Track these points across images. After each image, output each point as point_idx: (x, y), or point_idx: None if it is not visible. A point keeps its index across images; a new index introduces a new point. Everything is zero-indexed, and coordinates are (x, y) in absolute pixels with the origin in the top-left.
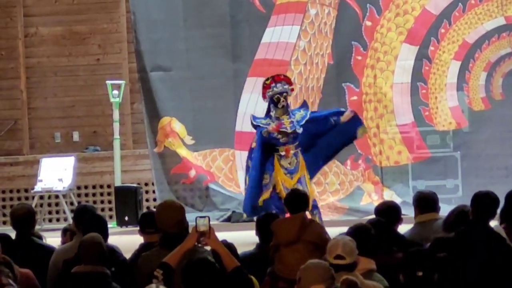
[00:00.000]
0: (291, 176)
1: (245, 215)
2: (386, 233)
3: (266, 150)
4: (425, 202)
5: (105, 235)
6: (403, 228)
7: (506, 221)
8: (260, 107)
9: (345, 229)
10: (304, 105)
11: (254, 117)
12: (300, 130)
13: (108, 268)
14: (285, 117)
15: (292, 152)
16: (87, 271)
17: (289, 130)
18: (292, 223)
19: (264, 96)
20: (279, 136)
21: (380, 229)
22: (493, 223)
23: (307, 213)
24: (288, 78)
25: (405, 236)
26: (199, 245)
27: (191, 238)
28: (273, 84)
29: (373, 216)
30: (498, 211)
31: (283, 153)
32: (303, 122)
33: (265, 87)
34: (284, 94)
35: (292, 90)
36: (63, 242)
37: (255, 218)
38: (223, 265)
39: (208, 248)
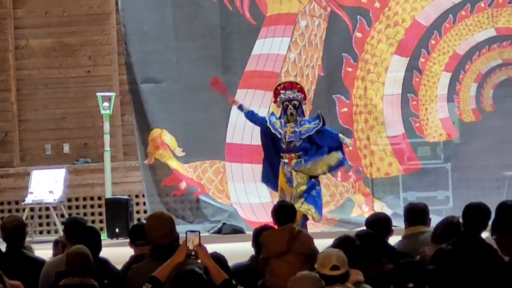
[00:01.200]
0: (290, 185)
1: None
2: (375, 245)
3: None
4: (414, 215)
5: (98, 247)
6: (394, 240)
7: (497, 233)
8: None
9: None
10: (317, 118)
11: (272, 114)
12: (298, 143)
13: (100, 280)
14: (290, 125)
15: (294, 161)
16: (76, 283)
17: (286, 139)
18: (281, 235)
19: (275, 101)
20: (282, 142)
21: (369, 240)
22: (484, 235)
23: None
24: (301, 86)
25: (395, 248)
26: (191, 257)
27: (180, 252)
28: (283, 91)
29: (364, 228)
30: (490, 222)
31: (286, 161)
32: (306, 135)
33: (276, 92)
34: (294, 102)
35: (305, 98)
36: (54, 254)
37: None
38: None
39: (199, 260)
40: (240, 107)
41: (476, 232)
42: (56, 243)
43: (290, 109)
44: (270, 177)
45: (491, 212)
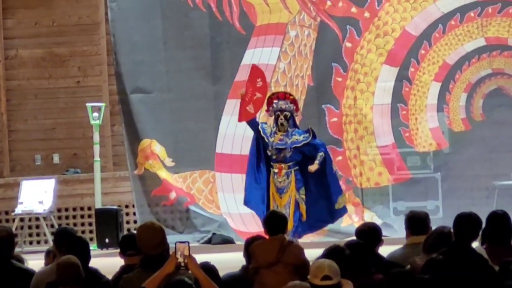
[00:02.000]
0: (280, 196)
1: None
2: (365, 254)
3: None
4: (417, 224)
5: (87, 257)
6: (387, 249)
7: (488, 242)
8: (240, 129)
9: None
10: (308, 131)
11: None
12: (289, 154)
13: None
14: (280, 133)
15: (284, 171)
16: None
17: (273, 147)
18: (271, 245)
19: (267, 110)
20: (271, 152)
21: (359, 250)
22: (475, 244)
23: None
24: (294, 98)
25: (385, 258)
26: (181, 268)
27: (170, 263)
28: (276, 101)
29: (354, 238)
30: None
31: (276, 171)
32: (293, 146)
33: (269, 101)
34: (285, 113)
35: (297, 110)
36: (46, 264)
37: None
38: None
39: (189, 271)
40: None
41: (466, 242)
42: (47, 253)
43: (281, 119)
44: (255, 200)
45: (481, 222)
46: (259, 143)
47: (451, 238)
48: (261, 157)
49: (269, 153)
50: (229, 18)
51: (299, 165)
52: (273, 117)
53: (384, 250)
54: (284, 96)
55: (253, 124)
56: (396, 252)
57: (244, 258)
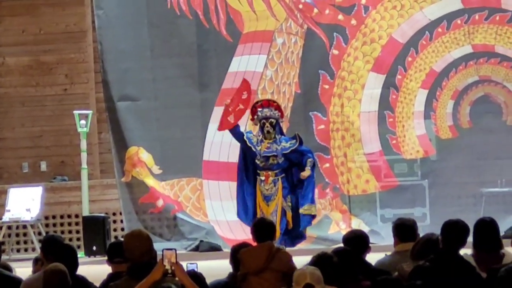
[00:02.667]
0: (267, 203)
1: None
2: (352, 261)
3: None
4: (405, 231)
5: (75, 265)
6: (374, 256)
7: (475, 249)
8: (227, 137)
9: None
10: (294, 138)
11: (249, 132)
12: (275, 161)
13: None
14: (267, 141)
15: (271, 178)
16: None
17: (261, 155)
18: (260, 252)
19: (252, 119)
20: (259, 160)
21: (346, 257)
22: (463, 252)
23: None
24: (278, 104)
25: (372, 265)
26: (168, 275)
27: (157, 270)
28: (260, 109)
29: (341, 245)
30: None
31: (262, 178)
32: (281, 153)
33: (253, 110)
34: (271, 120)
35: (282, 116)
36: (33, 272)
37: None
38: None
39: (176, 278)
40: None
41: (454, 249)
42: (35, 261)
43: (267, 127)
44: (244, 211)
45: (469, 229)
46: (245, 154)
47: (439, 245)
48: (249, 169)
49: (257, 162)
50: (216, 25)
51: (285, 172)
52: (259, 125)
53: (372, 257)
54: (268, 103)
55: (237, 133)
56: (385, 259)
57: (231, 265)
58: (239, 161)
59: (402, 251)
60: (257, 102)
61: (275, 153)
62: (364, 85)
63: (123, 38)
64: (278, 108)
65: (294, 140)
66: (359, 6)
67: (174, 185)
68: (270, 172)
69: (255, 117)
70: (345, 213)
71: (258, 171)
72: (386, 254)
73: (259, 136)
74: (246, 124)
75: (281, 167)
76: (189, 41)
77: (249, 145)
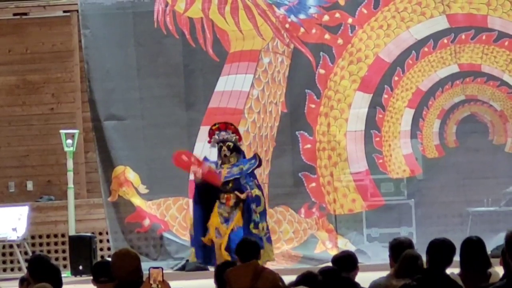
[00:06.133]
0: (226, 226)
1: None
2: (338, 281)
3: (206, 193)
4: (401, 251)
5: (59, 285)
6: (361, 275)
7: (462, 268)
8: (214, 156)
9: None
10: (254, 157)
11: (205, 159)
12: (237, 185)
13: None
14: (226, 166)
15: (232, 201)
16: None
17: (222, 180)
18: (245, 271)
19: (209, 141)
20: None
21: (332, 276)
22: (449, 271)
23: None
24: (235, 127)
25: (359, 285)
26: None
27: None
28: (217, 131)
29: (328, 264)
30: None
31: (223, 201)
32: (239, 176)
33: (210, 133)
34: (228, 143)
35: (240, 140)
36: None
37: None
38: None
39: None
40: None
41: (440, 268)
42: (22, 281)
43: (224, 150)
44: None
45: (455, 248)
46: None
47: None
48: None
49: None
50: (202, 45)
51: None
52: (216, 148)
53: (360, 277)
54: (226, 126)
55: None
56: (380, 280)
57: (215, 285)
58: (195, 191)
59: None
60: (214, 125)
61: (237, 176)
62: (350, 104)
63: (109, 57)
64: (235, 131)
65: (254, 160)
66: (346, 25)
67: (160, 205)
68: (231, 195)
69: (212, 139)
70: (331, 233)
71: (219, 195)
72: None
73: (218, 160)
74: (210, 151)
75: (240, 189)
76: (176, 60)
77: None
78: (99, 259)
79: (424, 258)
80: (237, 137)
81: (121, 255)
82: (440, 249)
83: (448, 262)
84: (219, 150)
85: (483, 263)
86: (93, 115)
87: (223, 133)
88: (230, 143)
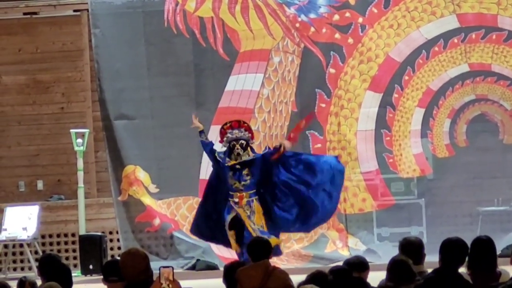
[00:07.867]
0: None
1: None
2: (349, 280)
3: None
4: (413, 253)
5: (69, 284)
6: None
7: (472, 268)
8: None
9: None
10: (265, 148)
11: (211, 144)
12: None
13: None
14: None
15: (245, 200)
16: None
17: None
18: (256, 271)
19: (221, 141)
20: (230, 179)
21: (342, 276)
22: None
23: None
24: (248, 125)
25: (369, 284)
26: None
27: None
28: (230, 130)
29: (338, 263)
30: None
31: (236, 200)
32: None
33: (222, 132)
34: (241, 141)
35: (252, 138)
36: None
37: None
38: None
39: None
40: (201, 132)
41: (453, 267)
42: (21, 283)
43: (237, 148)
44: (201, 228)
45: (468, 248)
46: (218, 175)
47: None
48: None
49: (229, 182)
50: (212, 44)
51: (257, 192)
52: (227, 147)
53: (370, 276)
54: (238, 124)
55: (207, 144)
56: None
57: (224, 284)
58: (211, 177)
59: None
60: (226, 124)
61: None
62: (361, 104)
63: (119, 56)
64: (248, 129)
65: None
66: (356, 25)
67: (170, 204)
68: (244, 193)
69: (225, 138)
70: (341, 232)
71: (231, 193)
72: None
73: (228, 158)
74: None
75: (253, 185)
76: (186, 60)
77: (218, 159)
78: (109, 258)
79: (436, 257)
80: (250, 135)
81: (129, 255)
82: (453, 249)
83: (461, 262)
84: (232, 148)
85: (493, 263)
86: (103, 114)
87: (236, 131)
88: (243, 141)
